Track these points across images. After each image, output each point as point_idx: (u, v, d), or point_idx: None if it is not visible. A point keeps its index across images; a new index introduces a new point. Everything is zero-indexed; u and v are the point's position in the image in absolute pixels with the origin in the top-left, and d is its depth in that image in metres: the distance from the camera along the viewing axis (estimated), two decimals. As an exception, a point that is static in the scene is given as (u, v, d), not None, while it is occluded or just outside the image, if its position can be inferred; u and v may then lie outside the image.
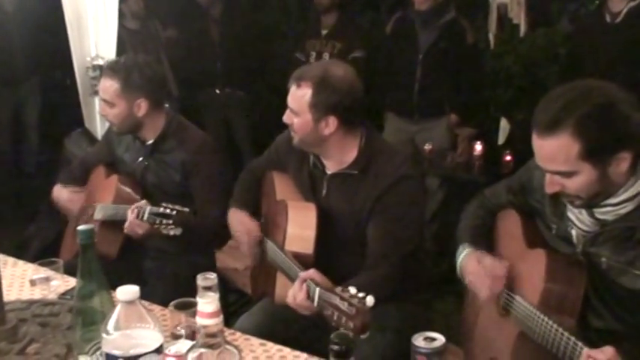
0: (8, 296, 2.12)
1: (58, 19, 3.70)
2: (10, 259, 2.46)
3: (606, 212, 1.81)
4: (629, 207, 1.78)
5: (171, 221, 2.45)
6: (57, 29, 3.75)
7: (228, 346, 1.28)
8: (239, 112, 5.58)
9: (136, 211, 2.54)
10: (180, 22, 5.62)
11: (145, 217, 2.51)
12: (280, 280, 2.27)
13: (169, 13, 5.66)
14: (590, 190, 1.76)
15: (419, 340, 1.51)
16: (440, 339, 1.51)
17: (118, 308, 1.33)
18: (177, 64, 5.57)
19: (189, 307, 1.90)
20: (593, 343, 1.70)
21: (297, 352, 1.81)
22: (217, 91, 5.41)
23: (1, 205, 5.13)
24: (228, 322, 2.86)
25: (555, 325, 1.78)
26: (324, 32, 4.93)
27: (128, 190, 2.81)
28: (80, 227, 1.56)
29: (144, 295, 2.36)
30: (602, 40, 4.10)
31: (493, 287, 2.00)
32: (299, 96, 2.22)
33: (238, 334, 1.92)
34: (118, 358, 1.29)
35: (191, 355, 1.27)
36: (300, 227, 2.26)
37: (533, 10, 4.31)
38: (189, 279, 2.72)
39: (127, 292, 1.33)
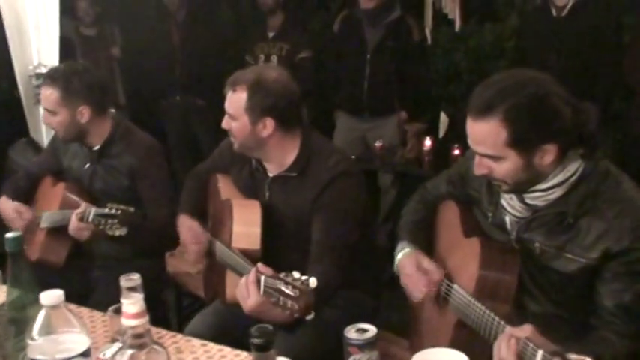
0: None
1: (1, 27, 3.66)
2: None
3: (536, 198, 1.85)
4: (557, 193, 1.82)
5: (116, 221, 2.46)
6: (2, 38, 3.70)
7: (155, 346, 1.27)
8: (200, 119, 5.46)
9: (80, 214, 2.54)
10: (142, 25, 5.57)
11: (90, 218, 2.52)
12: (230, 278, 2.29)
13: (132, 16, 5.61)
14: (516, 176, 1.80)
15: (351, 332, 1.53)
16: (372, 330, 1.53)
17: (43, 313, 1.32)
18: (135, 70, 5.54)
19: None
20: (532, 327, 1.73)
21: (238, 351, 1.82)
22: (177, 98, 5.37)
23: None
24: (182, 326, 2.90)
25: (488, 311, 1.82)
26: (270, 35, 4.94)
27: (74, 196, 2.79)
28: (8, 235, 1.54)
29: (92, 303, 2.37)
30: (547, 33, 4.18)
31: (426, 291, 2.04)
32: (235, 100, 2.26)
33: (179, 335, 1.93)
34: (44, 363, 1.28)
35: (119, 357, 1.27)
36: (246, 224, 2.29)
37: (468, 5, 4.35)
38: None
39: (51, 296, 1.32)
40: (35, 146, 3.73)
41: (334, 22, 4.66)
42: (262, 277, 1.80)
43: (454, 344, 1.96)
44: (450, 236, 2.16)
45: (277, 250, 2.29)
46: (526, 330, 1.62)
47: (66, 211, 2.69)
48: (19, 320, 1.55)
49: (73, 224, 2.58)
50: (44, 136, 3.60)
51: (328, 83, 4.71)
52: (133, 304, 1.25)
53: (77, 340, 1.32)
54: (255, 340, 1.22)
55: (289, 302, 1.71)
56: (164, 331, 1.94)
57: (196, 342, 1.88)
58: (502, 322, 1.76)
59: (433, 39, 5.61)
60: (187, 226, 2.51)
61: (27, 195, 3.00)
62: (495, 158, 1.79)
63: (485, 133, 1.77)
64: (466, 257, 2.00)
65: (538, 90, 1.75)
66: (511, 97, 1.74)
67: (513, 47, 4.99)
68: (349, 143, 4.57)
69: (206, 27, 5.34)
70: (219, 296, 2.42)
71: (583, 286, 1.83)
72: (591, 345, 1.76)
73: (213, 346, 1.84)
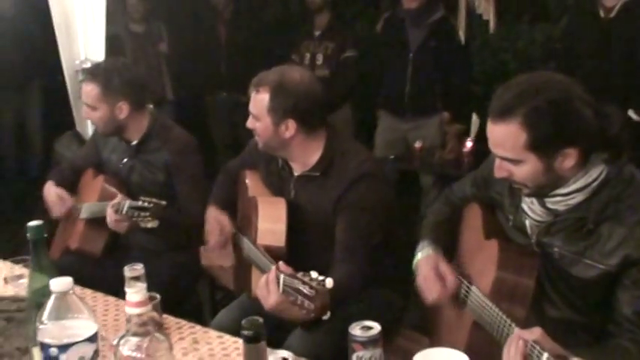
0: (-18, 293, 2.20)
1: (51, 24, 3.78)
2: (-10, 258, 2.53)
3: (557, 202, 1.83)
4: (578, 198, 1.79)
5: (148, 213, 2.52)
6: (51, 33, 3.83)
7: (157, 334, 1.31)
8: (245, 116, 5.56)
9: (115, 205, 2.62)
10: (187, 22, 5.68)
11: (124, 210, 2.58)
12: (255, 275, 2.32)
13: (179, 13, 5.73)
14: (536, 180, 1.78)
15: (355, 329, 1.54)
16: (376, 327, 1.54)
17: (52, 299, 1.38)
18: (182, 66, 5.65)
19: (151, 301, 1.97)
20: (549, 333, 1.71)
21: (252, 344, 1.84)
22: (224, 94, 5.45)
23: (5, 207, 5.23)
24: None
25: (501, 314, 1.81)
26: (316, 33, 4.97)
27: (113, 189, 2.87)
28: (30, 223, 1.60)
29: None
30: (595, 35, 4.10)
31: (440, 296, 2.04)
32: (258, 101, 2.28)
33: (198, 327, 1.97)
34: (52, 346, 1.34)
35: (122, 343, 1.31)
36: (271, 221, 2.31)
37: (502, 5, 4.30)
38: (172, 276, 2.85)
39: (61, 283, 1.38)
40: (80, 139, 3.84)
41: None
42: (281, 276, 1.82)
43: (470, 346, 1.96)
44: (472, 238, 2.15)
45: (302, 248, 2.30)
46: (535, 333, 1.61)
47: (104, 203, 2.77)
48: (39, 305, 1.60)
49: (110, 215, 2.65)
50: (89, 129, 3.70)
51: (371, 83, 4.71)
52: (136, 292, 1.29)
53: (85, 326, 1.37)
54: (245, 332, 1.25)
55: (306, 302, 1.73)
56: (183, 322, 1.99)
57: (213, 333, 1.92)
58: (513, 325, 1.75)
59: (481, 39, 5.56)
60: (214, 217, 2.55)
61: (70, 186, 3.09)
62: (515, 161, 1.78)
63: (504, 136, 1.76)
64: (486, 259, 1.98)
65: (559, 93, 1.73)
66: (531, 100, 1.72)
67: (562, 49, 4.91)
68: (390, 143, 4.59)
69: (252, 24, 5.40)
70: (245, 291, 2.46)
71: (602, 293, 1.80)
72: (607, 353, 1.74)
73: (229, 339, 1.88)
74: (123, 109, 2.80)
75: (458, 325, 2.08)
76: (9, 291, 2.21)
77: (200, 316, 3.02)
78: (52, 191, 3.00)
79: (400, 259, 2.40)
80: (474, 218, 2.17)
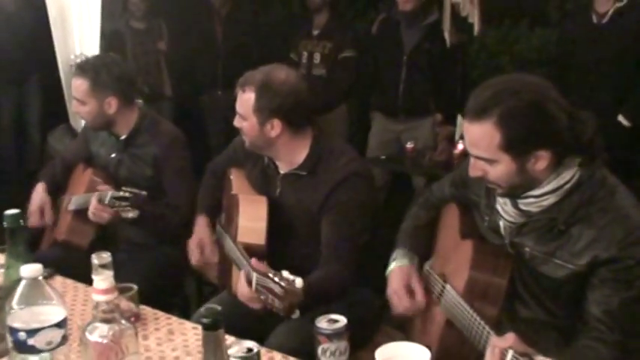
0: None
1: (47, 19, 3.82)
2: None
3: (529, 204, 1.85)
4: (551, 199, 1.82)
5: (127, 203, 2.55)
6: (47, 28, 3.87)
7: (124, 321, 1.34)
8: None
9: (98, 195, 2.66)
10: (186, 20, 5.72)
11: (107, 200, 2.63)
12: (235, 271, 2.35)
13: (178, 12, 5.77)
14: (510, 180, 1.81)
15: (322, 322, 1.57)
16: (342, 321, 1.57)
17: (22, 285, 1.41)
18: (180, 64, 5.69)
19: (128, 291, 2.00)
20: (522, 333, 1.74)
21: (227, 336, 1.87)
22: (219, 93, 5.49)
23: (4, 202, 5.26)
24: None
25: (473, 313, 1.83)
26: (315, 32, 5.00)
27: (100, 181, 2.90)
28: (7, 212, 1.64)
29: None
30: (587, 40, 4.11)
31: (407, 311, 2.08)
32: (244, 100, 2.30)
33: (174, 318, 2.00)
34: (20, 331, 1.37)
35: (89, 330, 1.34)
36: (251, 219, 2.33)
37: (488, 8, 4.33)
38: (160, 270, 2.88)
39: (30, 269, 1.40)
40: (72, 133, 3.88)
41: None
42: (254, 275, 1.85)
43: (442, 343, 1.99)
44: (448, 237, 2.17)
45: (286, 246, 2.33)
46: (508, 340, 1.63)
47: (89, 194, 2.80)
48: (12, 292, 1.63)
49: (93, 205, 2.68)
50: (82, 123, 3.74)
51: (365, 84, 4.74)
52: (103, 280, 1.32)
53: (54, 312, 1.40)
54: (204, 320, 1.28)
55: (276, 301, 1.76)
56: (160, 313, 2.02)
57: (189, 325, 1.94)
58: (487, 328, 1.77)
59: (479, 42, 5.58)
60: (199, 234, 2.61)
61: (62, 181, 3.13)
62: (489, 161, 1.80)
63: (479, 136, 1.79)
64: (460, 259, 2.01)
65: (534, 95, 1.75)
66: (506, 101, 1.74)
67: (557, 54, 4.93)
68: (384, 144, 4.62)
69: (248, 23, 5.43)
70: (227, 287, 2.49)
71: (573, 293, 1.83)
72: (575, 352, 1.76)
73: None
74: (112, 104, 2.83)
75: (432, 323, 2.10)
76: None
77: (188, 311, 3.04)
78: (37, 199, 3.02)
79: (383, 258, 2.42)
80: (451, 217, 2.19)
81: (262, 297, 1.83)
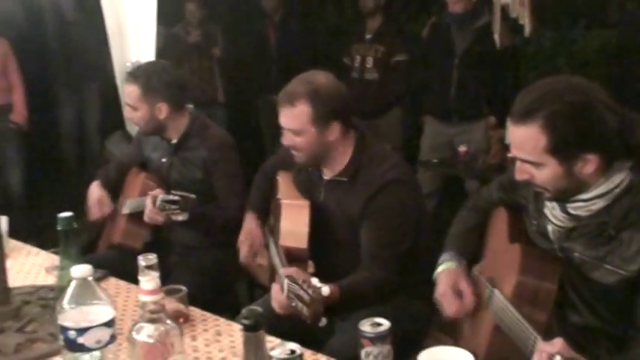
0: (25, 282, 2.31)
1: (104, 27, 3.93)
2: (35, 249, 2.65)
3: (578, 208, 1.81)
4: (600, 204, 1.78)
5: (177, 206, 2.60)
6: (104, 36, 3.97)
7: (169, 321, 1.37)
8: None
9: (153, 197, 2.71)
10: (240, 26, 5.80)
11: (157, 203, 2.67)
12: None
13: (233, 17, 5.86)
14: (557, 184, 1.77)
15: (365, 325, 1.57)
16: (385, 324, 1.57)
17: (72, 285, 1.45)
18: (234, 69, 5.77)
19: (178, 293, 2.04)
20: (572, 339, 1.71)
21: (272, 337, 1.89)
22: (273, 98, 5.52)
23: (67, 202, 5.41)
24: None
25: (522, 318, 1.80)
26: (368, 36, 5.01)
27: (153, 185, 2.97)
28: (60, 215, 1.69)
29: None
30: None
31: (456, 314, 2.06)
32: (297, 115, 2.26)
33: (222, 320, 2.03)
34: (70, 330, 1.41)
35: (136, 330, 1.38)
36: (293, 223, 2.33)
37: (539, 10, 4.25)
38: (212, 272, 2.93)
39: (80, 270, 1.45)
40: (128, 137, 3.97)
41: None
42: (286, 281, 1.87)
43: (490, 348, 1.97)
44: (497, 241, 2.15)
45: (329, 251, 2.33)
46: (556, 345, 1.60)
47: (143, 198, 2.86)
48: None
49: (148, 206, 2.73)
50: (137, 128, 3.82)
51: (417, 87, 4.73)
52: (149, 281, 1.35)
53: (103, 312, 1.44)
54: (244, 321, 1.29)
55: (304, 308, 1.77)
56: (208, 314, 2.05)
57: (236, 327, 1.97)
58: (535, 332, 1.74)
59: (535, 44, 5.51)
60: (248, 226, 2.63)
61: (116, 184, 3.20)
62: (535, 164, 1.77)
63: (524, 139, 1.76)
64: (509, 263, 1.98)
65: (580, 97, 1.72)
66: (552, 104, 1.71)
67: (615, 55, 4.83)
68: (436, 147, 4.59)
69: (301, 28, 5.47)
70: (274, 289, 2.50)
71: (624, 300, 1.78)
72: None
73: (250, 332, 1.92)
74: (162, 110, 2.89)
75: (480, 328, 2.08)
76: (49, 280, 2.32)
77: (238, 313, 3.07)
78: (94, 193, 3.10)
79: (430, 265, 2.40)
80: (500, 221, 2.16)
81: (293, 304, 1.83)
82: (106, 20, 3.76)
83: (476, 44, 4.30)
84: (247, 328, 1.29)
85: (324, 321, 1.75)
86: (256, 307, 1.33)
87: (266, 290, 3.25)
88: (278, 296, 1.97)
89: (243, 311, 1.32)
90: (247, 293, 3.48)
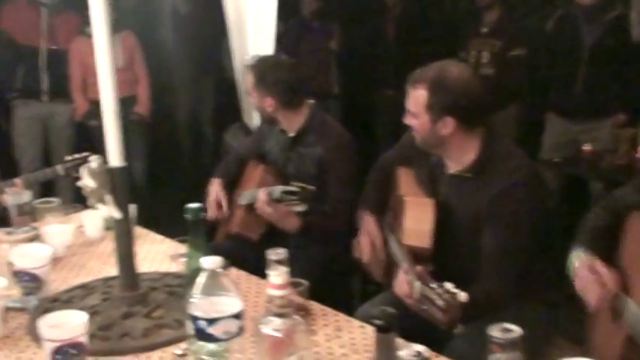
0: (150, 268, 2.38)
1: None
2: (159, 237, 2.73)
3: None
4: None
5: (296, 197, 2.62)
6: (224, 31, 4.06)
7: (296, 317, 1.37)
8: None
9: (267, 190, 2.77)
10: (358, 19, 5.80)
11: (275, 195, 2.74)
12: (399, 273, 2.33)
13: (350, 10, 5.87)
14: None
15: (495, 331, 1.51)
16: (516, 330, 1.50)
17: (203, 276, 1.47)
18: (349, 63, 5.77)
19: (299, 286, 2.04)
20: None
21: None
22: (390, 92, 5.50)
23: (182, 195, 5.59)
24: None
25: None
26: (483, 30, 4.88)
27: (271, 177, 3.01)
28: (189, 205, 1.72)
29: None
30: None
31: (602, 297, 1.93)
32: (416, 97, 2.25)
33: (342, 315, 2.01)
34: (200, 319, 1.43)
35: (263, 323, 1.38)
36: (417, 222, 2.28)
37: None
38: (326, 266, 2.94)
39: (211, 261, 1.47)
40: (246, 130, 4.04)
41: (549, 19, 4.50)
42: (417, 284, 1.82)
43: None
44: (632, 248, 2.02)
45: (449, 250, 2.26)
46: None
47: (259, 189, 2.91)
48: (193, 282, 1.70)
49: (260, 198, 2.79)
50: (255, 120, 3.89)
51: (539, 83, 4.56)
52: (278, 275, 1.35)
53: (231, 303, 1.45)
54: (377, 322, 1.26)
55: (439, 313, 1.72)
56: (328, 309, 2.03)
57: (356, 323, 1.95)
58: None
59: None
60: (366, 227, 2.59)
61: (235, 176, 3.27)
62: None
63: None
64: (646, 272, 1.87)
65: None
66: None
67: None
68: (559, 145, 4.43)
69: (421, 22, 5.39)
70: (391, 287, 2.47)
71: None
72: None
73: (371, 329, 1.89)
74: (269, 104, 2.96)
75: (611, 338, 1.97)
76: (173, 268, 2.39)
77: (351, 308, 3.06)
78: (214, 192, 3.17)
79: (553, 268, 2.30)
80: (637, 227, 2.04)
81: (424, 307, 1.79)
82: (227, 13, 3.82)
83: (607, 38, 4.09)
84: (380, 329, 1.26)
85: (460, 327, 1.70)
86: (389, 308, 1.30)
87: (380, 287, 3.24)
88: (404, 288, 1.94)
89: (376, 312, 1.30)
90: (360, 288, 3.47)
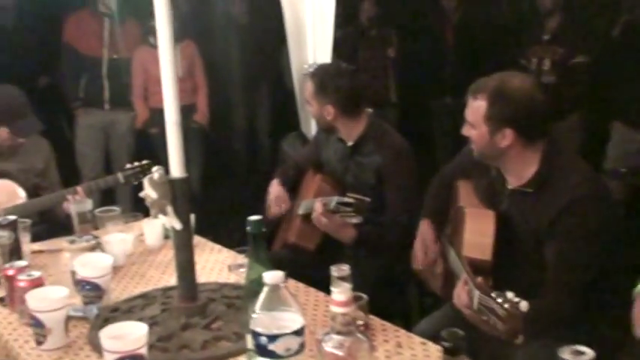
0: (209, 278, 2.38)
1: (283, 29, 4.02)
2: (217, 247, 2.73)
3: None
4: None
5: (351, 208, 2.60)
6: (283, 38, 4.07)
7: (359, 335, 1.33)
8: None
9: (323, 201, 2.76)
10: (417, 26, 5.75)
11: (331, 205, 2.72)
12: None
13: (409, 18, 5.83)
14: None
15: (565, 353, 1.44)
16: (588, 353, 1.43)
17: (265, 291, 1.45)
18: (407, 71, 5.73)
19: (358, 300, 2.00)
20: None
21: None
22: (448, 100, 5.43)
23: (237, 200, 5.63)
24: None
25: None
26: (545, 37, 4.77)
27: (328, 186, 2.99)
28: (250, 217, 1.70)
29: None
30: None
31: None
32: (475, 108, 2.21)
33: (402, 331, 1.97)
34: (262, 335, 1.41)
35: (325, 340, 1.35)
36: (478, 234, 2.24)
37: None
38: (382, 278, 2.90)
39: (273, 276, 1.44)
40: (303, 139, 4.03)
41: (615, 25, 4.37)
42: (477, 293, 1.77)
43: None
44: None
45: (510, 264, 2.21)
46: None
47: (317, 199, 2.89)
48: (254, 294, 1.68)
49: (316, 209, 2.78)
50: (313, 129, 3.87)
51: (603, 91, 4.43)
52: (341, 292, 1.32)
53: (293, 319, 1.43)
54: (445, 344, 1.22)
55: (499, 323, 1.67)
56: (388, 325, 1.99)
57: (417, 339, 1.90)
58: None
59: None
60: (422, 235, 2.58)
61: (293, 184, 3.26)
62: None
63: None
64: None
65: None
66: None
67: None
68: (626, 155, 4.32)
69: (481, 29, 5.31)
70: (450, 300, 2.42)
71: None
72: None
73: (432, 346, 1.85)
74: (330, 112, 2.94)
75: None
76: (232, 278, 2.38)
77: (408, 320, 3.01)
78: (274, 191, 3.19)
79: (619, 286, 2.21)
80: None
81: (483, 317, 1.75)
82: (286, 22, 3.83)
83: (675, 44, 3.96)
84: (448, 352, 1.22)
85: (521, 338, 1.64)
86: (457, 330, 1.26)
87: (437, 298, 3.18)
88: (463, 298, 1.92)
89: (444, 333, 1.26)
90: (417, 301, 3.41)
